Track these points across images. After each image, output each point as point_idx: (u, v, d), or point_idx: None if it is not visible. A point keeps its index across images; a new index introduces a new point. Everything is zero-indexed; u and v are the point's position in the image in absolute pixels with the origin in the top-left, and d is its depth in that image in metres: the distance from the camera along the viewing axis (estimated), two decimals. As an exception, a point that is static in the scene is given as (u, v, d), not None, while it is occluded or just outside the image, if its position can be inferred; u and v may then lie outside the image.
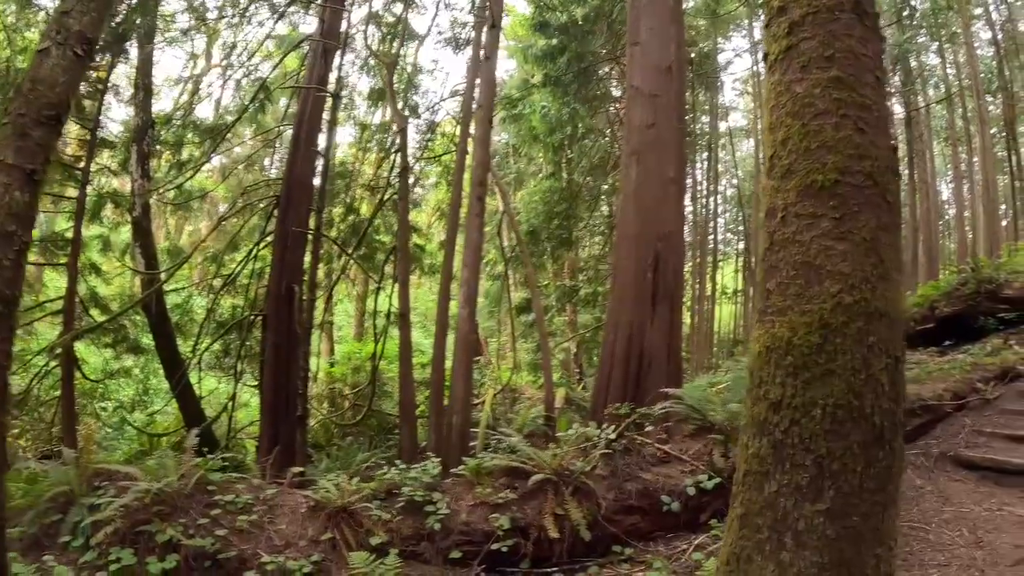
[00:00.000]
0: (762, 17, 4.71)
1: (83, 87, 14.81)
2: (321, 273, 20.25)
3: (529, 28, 22.88)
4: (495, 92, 15.31)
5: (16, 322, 4.27)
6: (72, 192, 15.22)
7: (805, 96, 3.56)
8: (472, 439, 11.68)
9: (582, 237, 26.63)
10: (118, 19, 14.53)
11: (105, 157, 16.99)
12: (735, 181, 38.03)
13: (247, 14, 18.52)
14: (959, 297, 15.08)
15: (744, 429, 3.60)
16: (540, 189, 24.10)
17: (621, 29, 18.16)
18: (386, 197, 18.47)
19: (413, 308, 30.79)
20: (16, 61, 14.35)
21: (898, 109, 32.73)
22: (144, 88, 16.49)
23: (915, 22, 29.35)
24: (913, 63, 31.76)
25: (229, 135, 20.22)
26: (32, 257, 15.96)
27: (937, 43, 31.74)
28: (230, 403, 16.36)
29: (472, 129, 13.82)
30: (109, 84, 15.88)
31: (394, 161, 17.31)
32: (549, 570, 6.49)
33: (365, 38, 19.31)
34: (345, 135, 29.81)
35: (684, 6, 16.42)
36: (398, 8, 20.05)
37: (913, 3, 28.09)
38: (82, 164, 15.01)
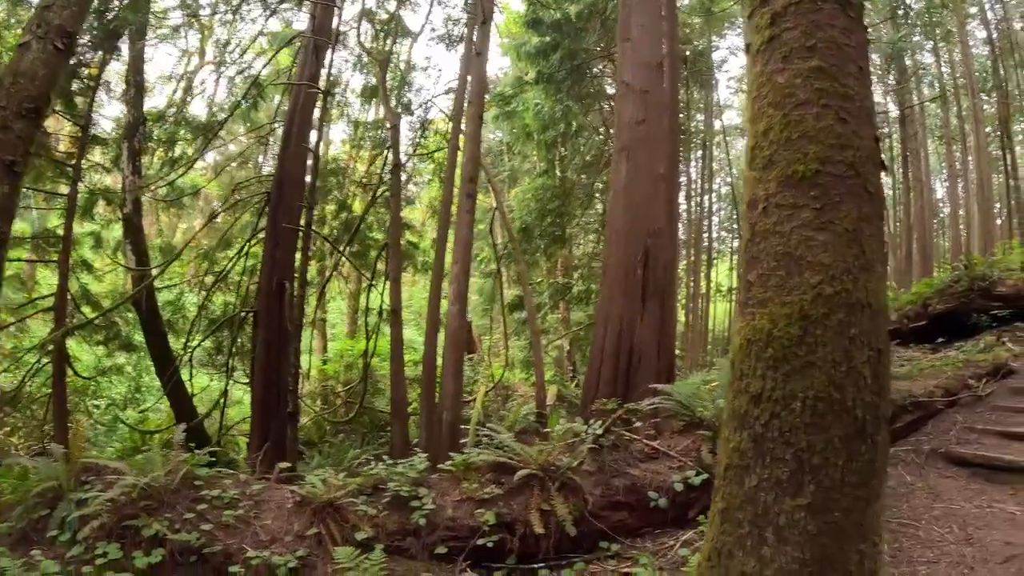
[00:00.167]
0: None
1: (75, 84, 14.78)
2: (314, 270, 20.25)
3: (522, 25, 22.82)
4: (486, 88, 15.30)
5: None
6: (64, 189, 15.15)
7: (787, 86, 3.52)
8: (464, 436, 11.65)
9: (576, 235, 26.64)
10: (110, 16, 14.46)
11: (97, 154, 16.94)
12: (729, 179, 38.01)
13: (239, 11, 18.49)
14: (952, 294, 15.09)
15: (726, 423, 3.56)
16: (533, 186, 24.07)
17: (615, 26, 18.10)
18: (379, 194, 18.42)
19: (407, 306, 30.83)
20: (6, 58, 14.29)
21: (892, 107, 32.78)
22: (136, 85, 16.43)
23: (910, 20, 29.37)
24: (908, 62, 31.77)
25: (222, 132, 20.17)
26: (24, 254, 15.94)
27: (932, 42, 31.75)
28: (221, 400, 16.30)
29: (463, 125, 13.79)
30: (101, 81, 15.80)
31: (387, 158, 17.28)
32: (535, 566, 6.43)
33: (358, 35, 19.24)
34: (339, 133, 29.80)
35: (678, 3, 16.42)
36: (392, 5, 20.05)
37: (908, 1, 28.09)
38: (75, 161, 14.91)
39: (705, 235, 34.93)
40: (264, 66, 18.56)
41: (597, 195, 24.80)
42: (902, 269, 31.36)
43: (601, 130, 24.58)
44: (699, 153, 33.32)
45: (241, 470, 8.84)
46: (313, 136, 16.10)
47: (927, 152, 35.18)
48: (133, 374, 20.67)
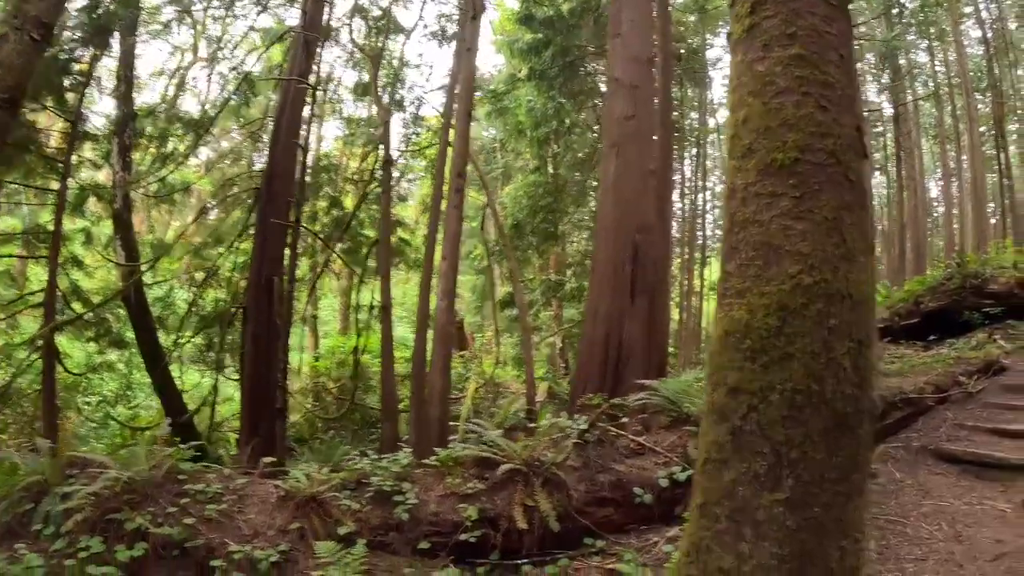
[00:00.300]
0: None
1: (66, 80, 14.71)
2: (305, 266, 20.20)
3: (515, 22, 22.77)
4: (475, 84, 15.24)
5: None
6: (56, 185, 15.08)
7: (766, 74, 3.45)
8: (454, 432, 11.62)
9: (569, 232, 26.60)
10: (100, 11, 14.40)
11: (88, 150, 16.87)
12: (724, 177, 37.97)
13: (232, 7, 18.44)
14: (944, 292, 15.05)
15: (705, 416, 3.50)
16: (525, 183, 24.04)
17: (608, 24, 18.11)
18: (370, 190, 18.37)
19: (400, 303, 30.78)
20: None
21: (887, 106, 32.83)
22: (126, 80, 16.36)
23: (904, 19, 29.39)
24: (902, 61, 31.80)
25: (214, 129, 20.10)
26: (15, 250, 15.89)
27: (926, 41, 31.78)
28: (211, 396, 16.25)
29: (453, 121, 13.75)
30: (92, 76, 15.71)
31: (378, 154, 17.23)
32: (519, 561, 6.37)
33: (350, 32, 19.19)
34: (333, 129, 29.73)
35: (672, 1, 16.38)
36: (384, 1, 19.98)
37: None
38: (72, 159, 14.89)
39: (699, 233, 34.92)
40: (255, 62, 18.51)
41: (590, 192, 24.72)
42: (895, 267, 31.41)
43: (595, 127, 24.50)
44: (693, 151, 33.31)
45: (229, 466, 8.81)
46: (305, 132, 16.06)
47: (921, 151, 35.22)
48: (124, 371, 20.56)
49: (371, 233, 19.60)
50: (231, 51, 19.51)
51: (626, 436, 7.68)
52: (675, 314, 29.22)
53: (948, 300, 14.85)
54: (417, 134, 21.33)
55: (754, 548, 3.13)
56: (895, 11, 28.92)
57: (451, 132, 14.02)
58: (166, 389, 16.23)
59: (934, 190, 41.58)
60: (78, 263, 17.04)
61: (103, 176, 18.11)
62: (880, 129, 35.83)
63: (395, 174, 21.23)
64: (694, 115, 32.83)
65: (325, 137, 31.38)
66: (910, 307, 15.49)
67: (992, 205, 34.50)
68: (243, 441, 13.10)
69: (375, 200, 18.75)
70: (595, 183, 23.91)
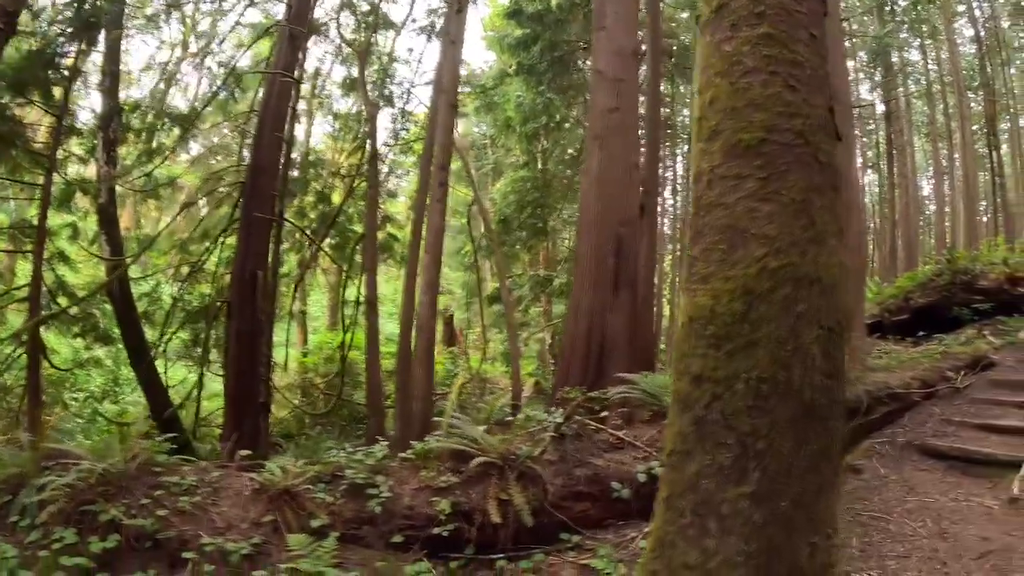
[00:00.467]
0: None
1: (52, 74, 14.61)
2: (293, 261, 20.11)
3: (504, 16, 22.67)
4: (465, 79, 15.18)
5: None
6: (43, 180, 15.01)
7: (734, 54, 3.36)
8: (438, 427, 11.54)
9: (560, 229, 26.54)
10: (86, 5, 14.29)
11: (75, 145, 16.77)
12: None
13: (218, 1, 18.36)
14: (934, 288, 15.03)
15: (670, 406, 3.39)
16: (513, 179, 23.97)
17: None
18: (357, 185, 18.28)
19: (391, 299, 30.67)
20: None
21: (879, 104, 32.81)
22: (111, 74, 16.23)
23: (896, 17, 29.37)
24: (895, 58, 31.78)
25: (203, 124, 20.00)
26: (1, 245, 15.78)
27: (919, 39, 31.78)
28: (195, 391, 16.18)
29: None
30: (78, 71, 15.60)
31: (365, 149, 17.13)
32: (494, 556, 6.30)
33: (338, 26, 19.08)
34: (325, 126, 29.63)
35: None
36: (375, -4, 19.87)
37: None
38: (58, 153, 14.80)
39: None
40: (241, 55, 18.42)
41: (579, 188, 24.58)
42: (887, 265, 31.42)
43: (585, 123, 24.37)
44: (685, 148, 33.20)
45: (207, 459, 8.76)
46: (290, 127, 15.96)
47: (913, 149, 35.22)
48: (112, 367, 20.49)
49: (359, 228, 19.49)
50: (219, 45, 19.40)
51: (605, 430, 7.59)
52: (667, 310, 29.13)
53: (938, 296, 14.83)
54: (406, 129, 21.21)
55: (719, 543, 3.03)
56: (887, 8, 28.86)
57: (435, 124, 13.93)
58: (151, 384, 16.12)
59: (926, 188, 41.63)
60: (64, 258, 16.96)
61: (91, 171, 17.99)
62: (872, 126, 35.83)
63: (384, 170, 21.17)
64: (686, 112, 32.71)
65: (314, 132, 31.30)
66: (900, 303, 15.47)
67: (984, 203, 34.50)
68: (226, 436, 13.01)
69: (363, 195, 18.65)
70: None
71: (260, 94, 20.96)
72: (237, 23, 19.25)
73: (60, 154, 15.25)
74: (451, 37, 13.53)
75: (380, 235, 19.16)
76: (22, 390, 15.17)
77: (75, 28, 14.21)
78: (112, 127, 15.83)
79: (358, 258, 18.09)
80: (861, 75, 34.36)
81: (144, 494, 6.31)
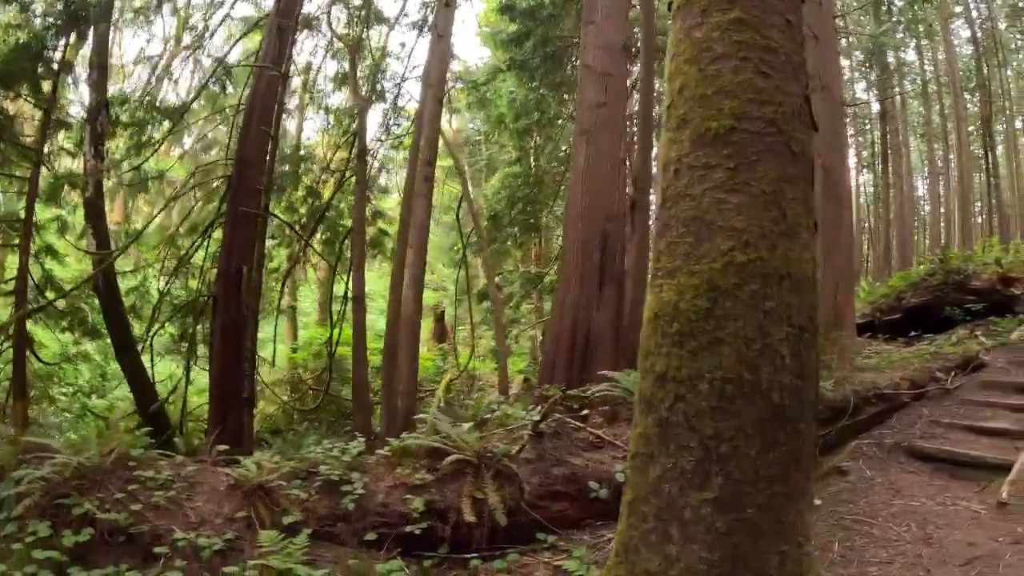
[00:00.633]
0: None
1: (40, 67, 14.54)
2: (282, 256, 20.01)
3: (496, 12, 22.57)
4: (446, 71, 15.08)
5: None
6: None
7: (704, 40, 3.21)
8: (423, 424, 11.48)
9: (553, 226, 26.42)
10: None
11: (63, 139, 16.68)
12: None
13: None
14: (927, 288, 15.04)
15: (635, 406, 3.25)
16: (503, 174, 23.90)
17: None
18: (347, 180, 18.19)
19: (381, 295, 30.55)
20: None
21: (875, 103, 32.80)
22: (99, 67, 16.10)
23: (893, 17, 29.33)
24: (891, 58, 31.75)
25: (193, 118, 19.91)
26: (-9, 238, 15.75)
27: (915, 39, 31.76)
28: (180, 385, 16.10)
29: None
30: (66, 64, 15.51)
31: (354, 144, 17.03)
32: (468, 556, 6.20)
33: (328, 20, 18.95)
34: (316, 120, 29.50)
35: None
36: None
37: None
38: (46, 147, 14.76)
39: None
40: (230, 49, 18.31)
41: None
42: (881, 265, 31.41)
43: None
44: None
45: (183, 453, 8.70)
46: (278, 120, 15.85)
47: (908, 149, 35.18)
48: (100, 361, 20.39)
49: (350, 223, 19.37)
50: (209, 38, 19.29)
51: (585, 428, 7.47)
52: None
53: (930, 296, 14.84)
54: (398, 124, 21.11)
55: (682, 550, 2.90)
56: (883, 7, 28.80)
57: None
58: (137, 379, 16.01)
59: (921, 188, 41.58)
60: (52, 252, 16.88)
61: (80, 165, 17.90)
62: (868, 126, 35.80)
63: (375, 165, 21.06)
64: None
65: (307, 127, 31.18)
66: (892, 303, 15.47)
67: (979, 204, 34.51)
68: (211, 431, 12.93)
69: (353, 191, 18.54)
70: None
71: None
72: (227, 16, 19.09)
73: (48, 148, 15.20)
74: (438, 31, 13.41)
75: (371, 230, 19.08)
76: (8, 383, 15.12)
77: (63, 21, 14.12)
78: (100, 121, 15.71)
79: (348, 253, 17.98)
80: (857, 74, 34.34)
81: (119, 488, 6.23)
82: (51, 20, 14.22)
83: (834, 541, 5.89)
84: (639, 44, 13.62)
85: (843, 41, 28.34)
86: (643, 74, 13.47)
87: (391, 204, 28.78)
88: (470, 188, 19.51)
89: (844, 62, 29.17)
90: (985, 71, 29.21)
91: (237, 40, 18.20)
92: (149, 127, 17.57)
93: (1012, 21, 31.50)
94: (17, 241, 15.08)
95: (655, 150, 12.35)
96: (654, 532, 2.97)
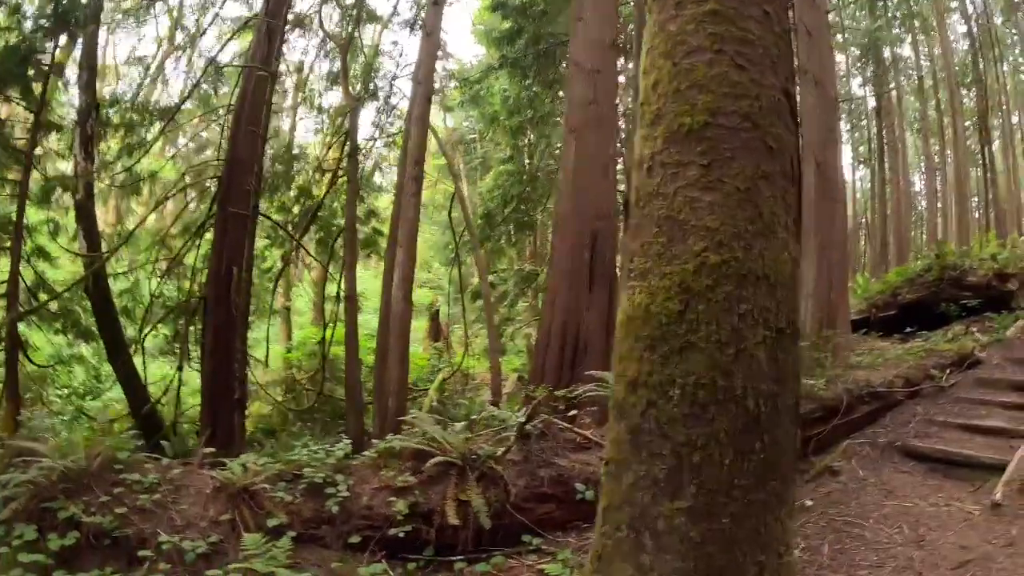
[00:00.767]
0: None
1: (29, 70, 14.48)
2: (275, 256, 19.93)
3: (488, 9, 22.54)
4: (434, 69, 15.01)
5: None
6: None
7: (678, 33, 3.10)
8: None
9: (546, 224, 26.36)
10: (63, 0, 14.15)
11: (54, 141, 16.62)
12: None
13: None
14: (922, 284, 14.98)
15: (609, 412, 3.15)
16: (496, 173, 23.86)
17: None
18: (339, 180, 18.12)
19: (377, 294, 30.50)
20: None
21: (871, 99, 32.79)
22: (89, 69, 16.04)
23: (889, 12, 29.29)
24: (886, 54, 31.72)
25: (182, 118, 19.84)
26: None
27: (910, 35, 31.73)
28: (172, 387, 16.02)
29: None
30: (55, 66, 15.46)
31: (346, 143, 16.97)
32: (453, 559, 6.15)
33: (319, 19, 18.89)
34: (310, 121, 29.44)
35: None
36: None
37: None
38: (37, 149, 14.70)
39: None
40: (220, 49, 18.25)
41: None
42: (878, 260, 31.37)
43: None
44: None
45: (180, 458, 8.64)
46: (267, 120, 15.77)
47: (905, 145, 35.14)
48: (94, 363, 20.35)
49: (343, 223, 19.32)
50: (199, 37, 19.24)
51: (572, 429, 7.39)
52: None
53: (926, 292, 14.78)
54: (391, 123, 21.03)
55: (655, 560, 2.80)
56: (879, 2, 28.77)
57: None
58: (130, 381, 15.96)
59: (918, 184, 41.51)
60: (44, 254, 16.84)
61: (70, 166, 17.86)
62: (864, 122, 35.76)
63: (369, 164, 20.99)
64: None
65: (300, 127, 31.14)
66: (887, 299, 15.40)
67: (976, 199, 34.46)
68: (202, 432, 12.90)
69: (346, 190, 18.47)
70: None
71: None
72: (217, 15, 19.05)
73: (39, 150, 15.15)
74: (427, 29, 13.35)
75: (364, 230, 19.00)
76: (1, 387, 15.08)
77: (53, 24, 14.07)
78: (89, 123, 15.67)
79: (341, 253, 17.91)
80: (853, 70, 34.27)
81: (105, 491, 6.15)
82: (41, 22, 14.13)
83: (824, 544, 5.81)
84: (631, 41, 13.54)
85: (838, 36, 28.32)
86: (636, 71, 13.42)
87: (385, 203, 28.74)
88: (465, 187, 19.42)
89: (839, 57, 29.15)
90: (981, 66, 29.16)
91: (227, 40, 18.15)
92: (140, 128, 17.51)
93: (1008, 16, 31.43)
94: (8, 244, 15.02)
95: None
96: (627, 541, 2.87)
